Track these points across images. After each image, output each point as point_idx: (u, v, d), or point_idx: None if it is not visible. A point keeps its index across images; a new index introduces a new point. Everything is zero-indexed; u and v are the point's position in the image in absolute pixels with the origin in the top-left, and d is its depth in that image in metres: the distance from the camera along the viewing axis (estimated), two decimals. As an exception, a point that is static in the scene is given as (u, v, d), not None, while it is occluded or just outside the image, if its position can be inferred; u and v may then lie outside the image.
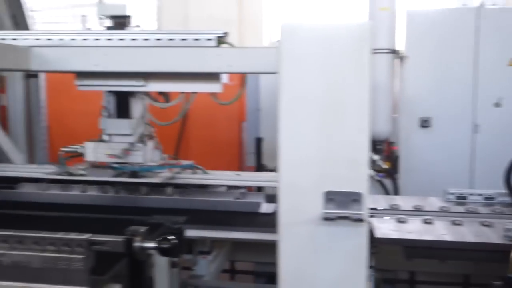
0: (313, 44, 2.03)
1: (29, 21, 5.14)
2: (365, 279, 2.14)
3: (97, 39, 3.12)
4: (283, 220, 2.16)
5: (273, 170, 5.30)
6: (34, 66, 3.09)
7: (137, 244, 2.05)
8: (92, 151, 3.41)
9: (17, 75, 5.21)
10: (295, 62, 2.05)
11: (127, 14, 3.26)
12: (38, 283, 2.07)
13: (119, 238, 2.06)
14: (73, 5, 7.77)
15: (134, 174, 3.34)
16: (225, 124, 6.77)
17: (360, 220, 2.06)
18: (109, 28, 3.29)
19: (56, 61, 3.10)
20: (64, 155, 3.55)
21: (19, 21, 5.08)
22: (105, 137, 3.43)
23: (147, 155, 3.42)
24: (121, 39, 3.10)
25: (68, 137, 6.47)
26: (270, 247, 3.45)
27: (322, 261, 2.14)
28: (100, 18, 3.29)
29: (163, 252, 2.11)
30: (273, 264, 3.90)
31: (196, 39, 3.03)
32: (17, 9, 5.07)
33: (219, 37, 3.05)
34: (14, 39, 3.15)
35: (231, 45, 3.07)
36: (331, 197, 2.09)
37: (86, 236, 2.03)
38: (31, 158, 5.49)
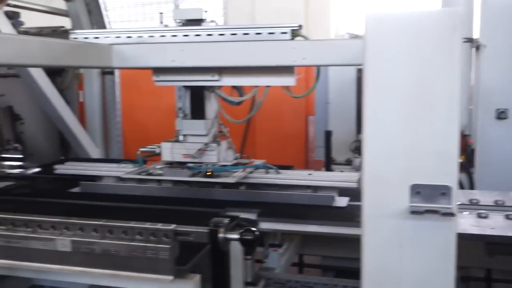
0: (399, 34, 1.98)
1: (105, 20, 5.34)
2: (454, 276, 2.07)
3: (174, 35, 3.18)
4: (367, 213, 2.13)
5: (342, 164, 5.27)
6: (115, 63, 3.18)
7: (221, 235, 2.10)
8: (169, 151, 3.51)
9: (94, 72, 5.44)
10: (381, 53, 2.01)
11: (204, 18, 3.31)
12: (126, 271, 2.16)
13: (203, 229, 2.12)
14: (143, 4, 8.02)
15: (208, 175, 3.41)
16: (291, 117, 6.77)
17: (450, 215, 2.00)
18: (185, 24, 3.36)
19: (135, 57, 3.18)
20: (141, 155, 3.71)
21: (96, 20, 5.31)
22: (180, 138, 3.51)
23: (221, 155, 3.49)
24: (197, 35, 3.15)
25: (139, 132, 6.72)
26: (339, 241, 3.46)
27: (408, 256, 2.09)
28: (177, 23, 3.36)
29: (245, 243, 2.15)
30: (341, 258, 3.89)
31: (271, 33, 3.03)
32: (95, 8, 5.29)
33: (293, 30, 3.04)
34: (96, 38, 3.26)
35: (306, 38, 3.04)
36: (418, 190, 2.04)
37: (172, 226, 2.10)
38: (106, 152, 5.72)
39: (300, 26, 3.05)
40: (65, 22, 5.85)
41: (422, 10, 2.01)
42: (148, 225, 2.12)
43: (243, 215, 3.09)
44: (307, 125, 6.81)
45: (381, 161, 2.08)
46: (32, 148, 5.16)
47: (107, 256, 2.14)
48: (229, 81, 3.33)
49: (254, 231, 2.13)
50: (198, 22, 3.31)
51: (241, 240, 2.11)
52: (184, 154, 3.47)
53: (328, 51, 2.92)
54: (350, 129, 5.18)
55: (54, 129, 5.32)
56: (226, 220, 2.16)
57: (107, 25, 5.44)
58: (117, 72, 5.61)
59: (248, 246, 2.19)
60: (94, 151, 5.32)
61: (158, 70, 3.39)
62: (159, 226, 2.10)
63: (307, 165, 6.72)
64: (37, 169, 4.45)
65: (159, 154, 3.59)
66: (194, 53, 3.11)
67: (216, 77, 3.29)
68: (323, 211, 3.21)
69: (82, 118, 5.49)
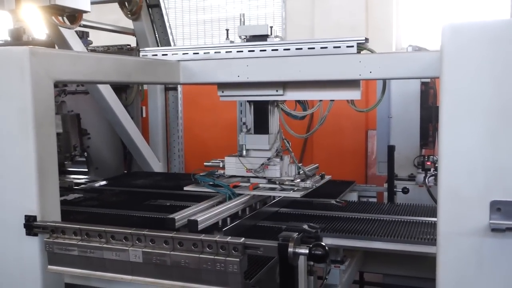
0: (480, 44, 1.91)
1: (170, 38, 5.51)
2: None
3: (239, 51, 3.23)
4: (443, 231, 2.05)
5: (404, 179, 5.14)
6: (182, 79, 3.26)
7: (290, 249, 2.08)
8: (233, 166, 3.53)
9: (158, 89, 5.59)
10: (459, 64, 1.95)
11: (269, 34, 3.34)
12: (196, 283, 2.18)
13: (273, 243, 2.10)
14: (205, 21, 8.21)
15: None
16: (351, 131, 6.70)
17: (534, 233, 1.89)
18: (250, 39, 3.40)
19: (201, 73, 3.25)
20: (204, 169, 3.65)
21: (161, 38, 5.48)
22: (243, 152, 3.53)
23: (283, 169, 3.49)
24: (263, 50, 3.18)
25: (199, 147, 6.83)
26: (402, 259, 3.36)
27: (487, 277, 1.99)
28: (242, 39, 3.40)
29: (315, 258, 2.11)
30: (404, 277, 3.77)
31: (336, 47, 3.02)
32: (160, 26, 5.47)
33: (359, 43, 3.02)
34: (165, 54, 3.36)
35: (372, 51, 3.01)
36: (499, 207, 1.95)
37: (241, 239, 2.10)
38: (168, 167, 5.84)
39: (366, 40, 3.03)
40: (130, 40, 6.08)
41: (503, 19, 1.93)
42: (217, 238, 2.12)
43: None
44: (367, 140, 6.72)
45: (459, 177, 2.00)
46: (98, 162, 5.34)
47: (177, 268, 2.16)
48: (293, 95, 3.34)
49: (323, 246, 2.09)
50: (263, 38, 3.34)
51: (310, 255, 2.08)
52: (247, 169, 3.49)
53: (395, 64, 2.88)
54: (414, 143, 5.06)
55: (118, 144, 5.50)
56: (295, 235, 2.13)
57: (172, 43, 5.60)
58: (179, 88, 5.75)
59: (318, 261, 2.16)
60: (157, 165, 5.45)
61: (223, 86, 3.45)
62: (229, 239, 2.10)
63: (366, 180, 6.61)
64: (103, 182, 4.60)
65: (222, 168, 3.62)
66: (259, 68, 3.14)
67: (280, 92, 3.30)
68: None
69: (144, 133, 5.65)
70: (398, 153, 4.98)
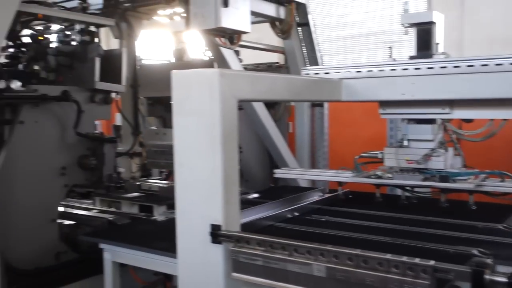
0: None
1: (318, 55, 5.62)
2: None
3: (405, 69, 3.20)
4: None
5: None
6: (344, 97, 3.31)
7: (487, 276, 1.99)
8: (392, 156, 3.51)
9: (305, 105, 5.72)
10: None
11: (433, 20, 3.30)
12: (379, 302, 2.17)
13: (466, 268, 2.03)
14: (345, 37, 8.26)
15: (443, 179, 3.29)
16: (503, 151, 6.26)
17: None
18: (413, 57, 3.37)
19: (364, 91, 3.28)
20: (359, 160, 3.76)
21: (310, 56, 5.61)
22: (405, 143, 3.48)
23: (448, 161, 3.37)
24: (430, 68, 3.12)
25: (340, 163, 6.80)
26: None
27: None
28: (405, 27, 3.38)
29: (513, 288, 1.99)
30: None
31: (514, 63, 2.87)
32: (308, 44, 5.60)
33: (540, 60, 2.84)
34: (327, 73, 3.44)
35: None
36: None
37: (431, 262, 2.07)
38: (313, 181, 5.91)
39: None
40: (272, 57, 6.30)
41: None
42: (405, 258, 2.11)
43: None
44: (522, 159, 6.23)
45: None
46: (247, 175, 5.57)
47: (361, 285, 2.18)
48: (461, 114, 3.23)
49: (524, 275, 1.97)
50: (427, 25, 3.32)
51: (509, 284, 1.97)
52: (408, 160, 3.42)
53: None
54: None
55: (266, 158, 5.69)
56: (490, 261, 2.04)
57: (319, 59, 5.71)
58: (326, 105, 5.82)
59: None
60: (303, 180, 5.54)
61: (385, 103, 3.43)
62: (417, 261, 2.08)
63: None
64: (255, 195, 4.76)
65: (380, 161, 3.61)
66: (426, 86, 3.09)
67: (447, 110, 3.22)
68: None
69: (290, 148, 5.78)
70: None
